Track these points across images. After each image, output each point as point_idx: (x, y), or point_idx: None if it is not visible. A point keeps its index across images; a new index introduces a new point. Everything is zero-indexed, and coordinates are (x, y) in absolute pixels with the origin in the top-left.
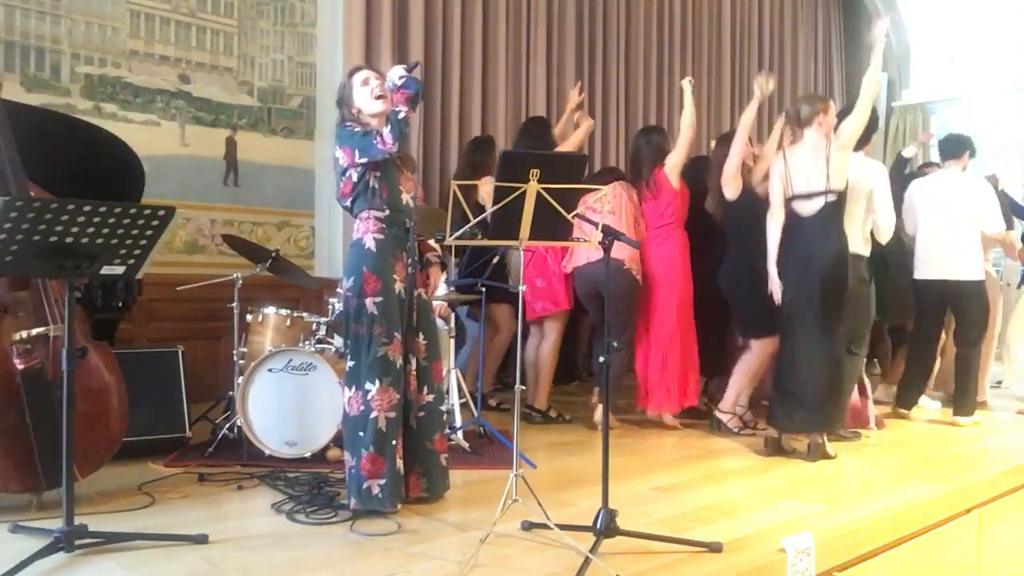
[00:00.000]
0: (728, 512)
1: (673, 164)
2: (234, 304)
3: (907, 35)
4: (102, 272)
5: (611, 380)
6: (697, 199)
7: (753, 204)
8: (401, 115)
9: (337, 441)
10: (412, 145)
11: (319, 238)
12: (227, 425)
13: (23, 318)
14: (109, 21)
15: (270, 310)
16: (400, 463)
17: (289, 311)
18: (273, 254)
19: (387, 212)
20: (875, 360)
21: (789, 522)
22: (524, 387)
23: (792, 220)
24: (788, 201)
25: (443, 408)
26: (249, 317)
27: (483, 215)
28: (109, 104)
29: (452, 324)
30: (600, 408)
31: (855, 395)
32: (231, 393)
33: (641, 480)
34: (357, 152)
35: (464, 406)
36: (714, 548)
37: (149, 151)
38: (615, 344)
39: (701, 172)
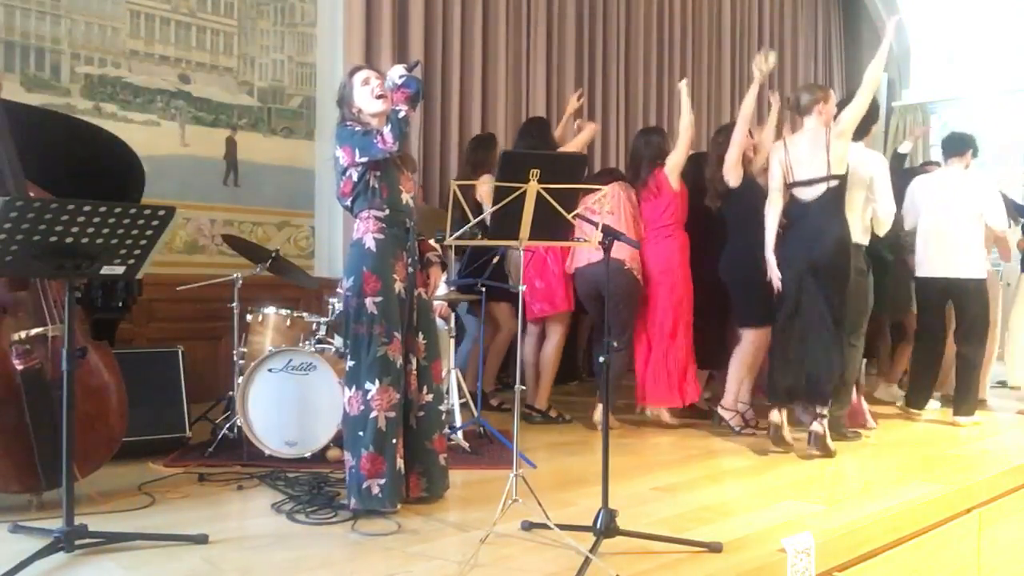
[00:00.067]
0: (728, 512)
1: (673, 165)
2: (234, 304)
3: (907, 35)
4: (102, 272)
5: (611, 380)
6: (697, 195)
7: (753, 193)
8: (401, 114)
9: (337, 441)
10: (412, 145)
11: (319, 238)
12: (227, 425)
13: (22, 318)
14: (109, 21)
15: (270, 310)
16: (401, 463)
17: (289, 311)
18: (273, 254)
19: (387, 212)
20: (873, 360)
21: (789, 522)
22: (524, 387)
23: (794, 205)
24: (789, 187)
25: (442, 408)
26: (249, 317)
27: (483, 215)
28: (109, 104)
29: (452, 324)
30: (600, 408)
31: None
32: (231, 393)
33: (641, 480)
34: (357, 151)
35: (464, 406)
36: (714, 548)
37: (149, 151)
38: (615, 344)
39: (701, 167)
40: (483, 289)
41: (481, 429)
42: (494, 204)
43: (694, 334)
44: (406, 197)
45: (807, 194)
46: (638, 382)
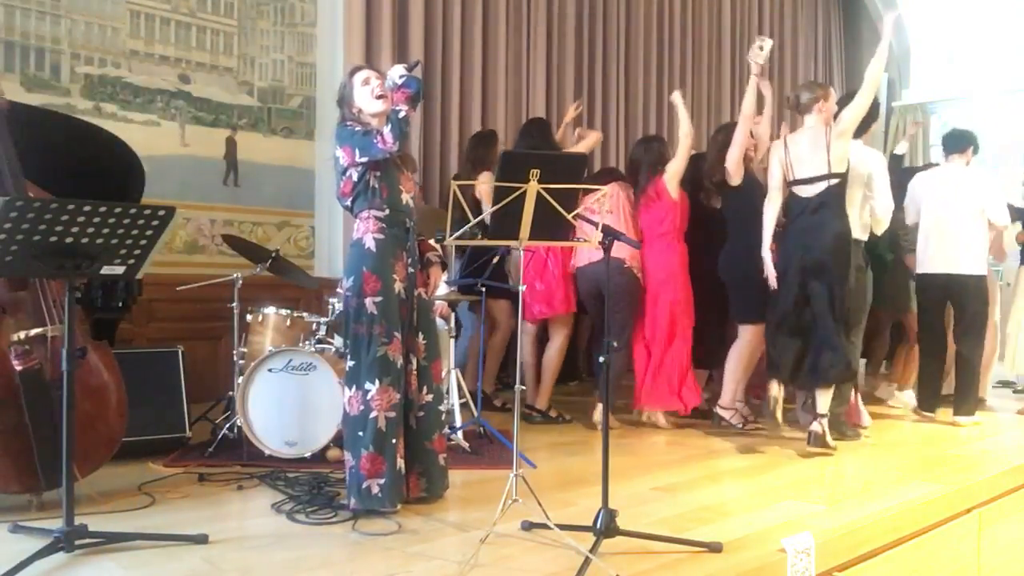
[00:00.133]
0: (728, 512)
1: (673, 172)
2: (234, 304)
3: (907, 35)
4: (102, 272)
5: (611, 380)
6: (698, 195)
7: (755, 192)
8: (401, 114)
9: (337, 441)
10: (412, 145)
11: (319, 238)
12: (227, 425)
13: (22, 318)
14: (109, 21)
15: (270, 310)
16: (401, 463)
17: (289, 311)
18: (273, 254)
19: (387, 212)
20: (871, 360)
21: (789, 522)
22: (524, 387)
23: (794, 203)
24: (789, 185)
25: (442, 408)
26: (249, 317)
27: (483, 215)
28: (109, 104)
29: (452, 324)
30: (600, 408)
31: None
32: (231, 393)
33: (641, 480)
34: (357, 151)
35: (464, 406)
36: (714, 548)
37: (149, 151)
38: (615, 344)
39: (700, 168)
40: (483, 289)
41: (481, 429)
42: (494, 204)
43: (694, 334)
44: (406, 197)
45: (807, 192)
46: (636, 387)
